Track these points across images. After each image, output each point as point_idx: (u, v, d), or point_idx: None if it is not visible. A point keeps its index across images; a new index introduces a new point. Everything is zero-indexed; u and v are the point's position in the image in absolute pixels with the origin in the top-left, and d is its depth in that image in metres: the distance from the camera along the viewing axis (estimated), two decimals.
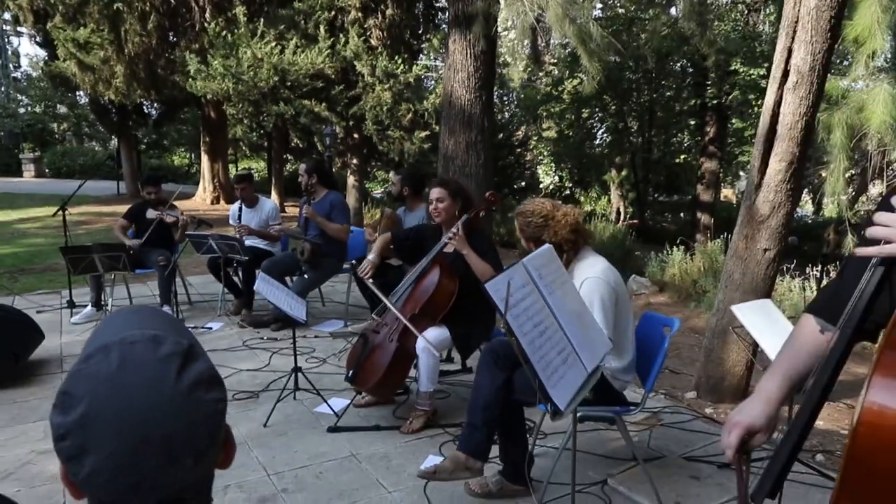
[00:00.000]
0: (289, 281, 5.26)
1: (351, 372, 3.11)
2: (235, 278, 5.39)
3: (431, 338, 3.09)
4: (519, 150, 20.88)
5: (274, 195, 16.57)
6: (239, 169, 27.45)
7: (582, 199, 22.29)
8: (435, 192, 3.36)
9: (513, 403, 2.46)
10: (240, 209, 5.33)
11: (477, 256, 3.15)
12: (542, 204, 2.53)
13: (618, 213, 20.43)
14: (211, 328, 4.88)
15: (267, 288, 3.35)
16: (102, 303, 5.10)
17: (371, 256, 3.44)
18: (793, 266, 7.10)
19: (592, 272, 2.35)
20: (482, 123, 6.63)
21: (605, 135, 18.94)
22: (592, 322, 1.77)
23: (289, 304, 3.29)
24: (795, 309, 5.74)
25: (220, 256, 5.01)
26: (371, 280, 3.31)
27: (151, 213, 5.20)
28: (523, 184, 21.91)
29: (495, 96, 19.00)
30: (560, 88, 16.69)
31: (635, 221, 17.33)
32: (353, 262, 4.90)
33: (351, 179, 12.87)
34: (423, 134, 11.66)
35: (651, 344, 2.55)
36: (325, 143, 11.46)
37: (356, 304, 5.87)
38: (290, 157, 25.94)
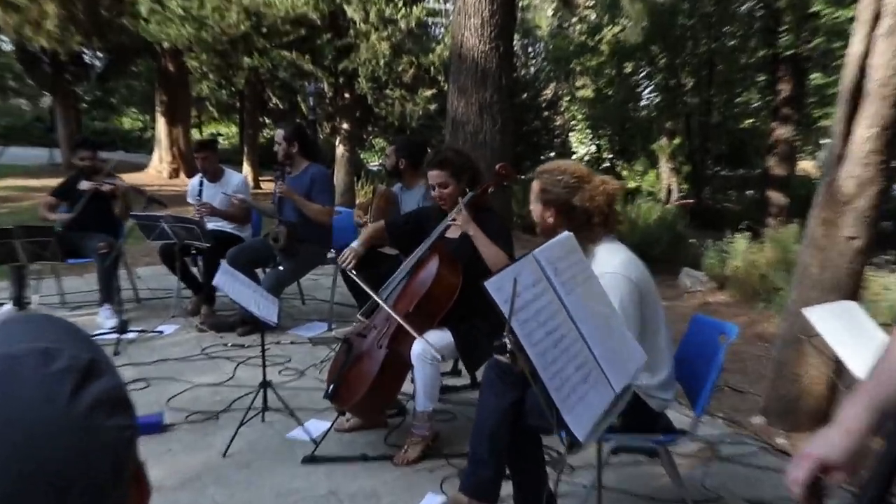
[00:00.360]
0: (260, 273, 5.25)
1: (331, 387, 3.08)
2: (194, 270, 5.40)
3: (431, 341, 3.06)
4: (546, 113, 20.73)
5: (246, 168, 16.64)
6: (204, 135, 27.65)
7: (624, 173, 22.17)
8: (433, 177, 3.34)
9: (526, 429, 2.42)
10: (200, 184, 5.32)
11: (487, 238, 3.14)
12: (577, 165, 2.48)
13: (668, 190, 20.31)
14: (162, 332, 4.89)
15: (230, 282, 3.32)
16: (25, 300, 5.09)
17: (355, 244, 3.43)
18: (887, 259, 6.98)
19: (610, 265, 2.28)
20: (499, 80, 6.56)
21: (652, 94, 18.79)
22: (623, 329, 1.71)
23: (257, 303, 3.26)
24: (892, 313, 5.62)
25: (175, 243, 5.00)
26: (354, 272, 3.29)
27: (85, 185, 5.16)
28: (552, 154, 21.77)
29: (517, 47, 18.92)
30: (597, 37, 16.52)
31: (690, 201, 17.23)
32: (338, 250, 4.86)
33: (341, 149, 12.86)
34: (429, 93, 11.61)
35: (703, 355, 2.50)
36: (310, 104, 11.43)
37: (344, 303, 5.85)
38: (266, 122, 26.04)
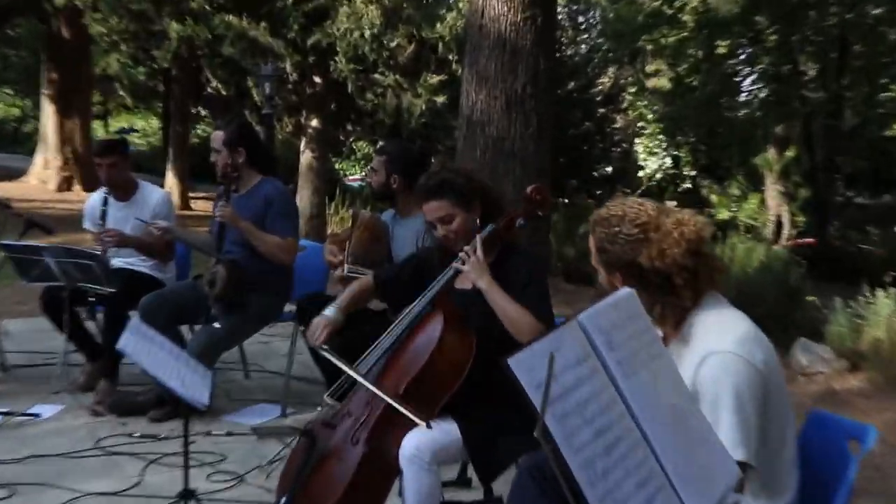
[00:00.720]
0: (187, 332, 5.27)
1: (284, 500, 3.10)
2: (90, 325, 5.41)
3: (427, 438, 3.07)
4: (602, 111, 20.91)
5: (171, 179, 16.87)
6: (111, 131, 28.03)
7: (713, 198, 22.33)
8: (430, 211, 3.40)
9: None
10: (104, 202, 5.39)
11: (504, 294, 3.19)
12: (640, 206, 2.52)
13: (777, 224, 20.40)
14: (39, 415, 4.90)
15: (142, 346, 3.36)
16: None
17: (329, 311, 3.47)
18: None
19: (722, 343, 2.29)
20: (536, 64, 6.68)
21: (756, 86, 18.97)
22: (707, 432, 1.73)
23: (180, 377, 3.29)
24: None
25: (63, 287, 5.05)
26: (326, 347, 3.33)
27: None
28: (608, 170, 21.94)
29: (561, 16, 19.14)
30: (678, 3, 16.76)
31: (809, 240, 17.25)
32: (300, 302, 4.89)
33: (307, 155, 13.05)
34: (435, 80, 11.77)
35: (825, 468, 2.50)
36: (265, 91, 11.61)
37: (305, 377, 5.85)
38: (202, 114, 26.45)
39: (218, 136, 5.04)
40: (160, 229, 5.11)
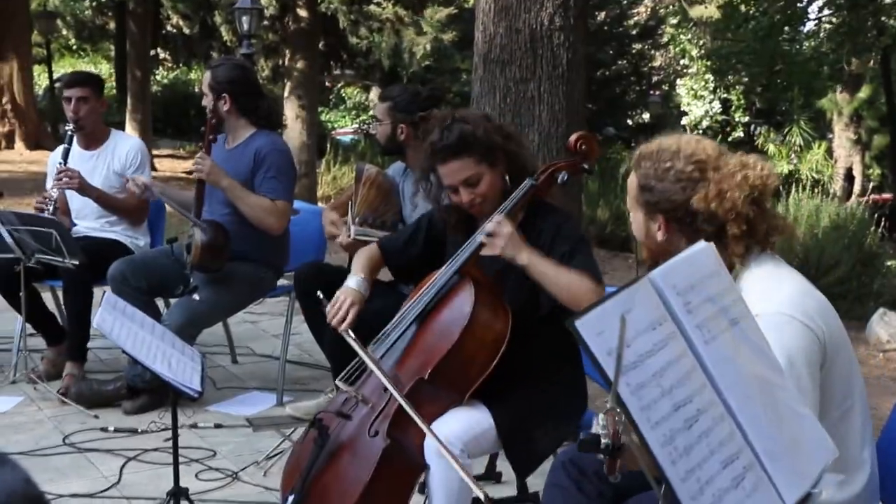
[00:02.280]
0: (163, 307, 5.34)
1: (291, 499, 3.16)
2: (52, 305, 5.47)
3: (455, 430, 3.13)
4: (638, 46, 20.80)
5: (129, 132, 16.79)
6: (57, 75, 27.85)
7: (771, 148, 22.25)
8: (451, 172, 3.32)
9: None
10: (69, 138, 5.40)
11: (549, 263, 3.19)
12: (697, 142, 2.53)
13: (848, 177, 20.37)
14: None
15: (120, 323, 3.42)
16: None
17: (354, 283, 3.46)
18: None
19: (769, 304, 2.34)
20: None
21: (826, 12, 18.80)
22: (798, 406, 1.79)
23: (166, 359, 3.35)
24: None
25: (17, 259, 5.09)
26: (351, 335, 3.28)
27: None
28: (646, 118, 21.81)
29: None
30: None
31: (886, 196, 17.22)
32: (298, 272, 4.92)
33: (292, 104, 13.04)
34: (443, 13, 11.71)
35: None
36: (242, 27, 11.57)
37: (301, 361, 5.92)
38: (162, 56, 26.31)
39: (206, 77, 5.04)
40: (141, 184, 5.03)
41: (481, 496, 2.96)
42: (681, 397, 1.48)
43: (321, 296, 3.45)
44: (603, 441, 1.79)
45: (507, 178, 3.38)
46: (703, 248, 1.76)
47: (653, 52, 20.99)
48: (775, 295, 2.35)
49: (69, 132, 5.40)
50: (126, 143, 5.57)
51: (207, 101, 4.97)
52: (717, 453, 1.49)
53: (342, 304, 3.38)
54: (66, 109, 5.44)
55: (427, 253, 3.61)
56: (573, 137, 3.42)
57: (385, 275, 4.31)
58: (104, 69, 31.42)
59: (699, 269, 1.69)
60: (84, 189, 5.26)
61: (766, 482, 1.56)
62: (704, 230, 2.40)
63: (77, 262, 4.87)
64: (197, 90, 4.84)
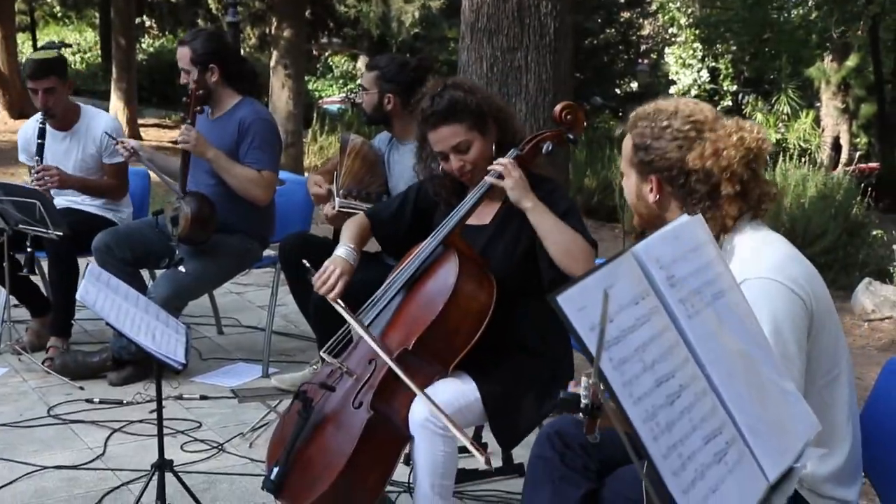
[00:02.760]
0: (148, 278, 5.32)
1: (276, 471, 3.17)
2: (34, 277, 5.46)
3: (441, 401, 3.13)
4: (626, 15, 20.78)
5: (116, 103, 16.76)
6: (40, 44, 27.71)
7: (758, 117, 22.24)
8: (442, 138, 3.36)
9: None
10: (41, 134, 5.37)
11: (552, 215, 3.21)
12: (695, 104, 2.54)
13: (835, 146, 20.39)
14: None
15: (104, 297, 3.41)
16: None
17: (344, 252, 3.45)
18: None
19: (756, 268, 2.34)
20: None
21: None
22: (782, 381, 1.79)
23: (150, 331, 3.34)
24: None
25: (0, 231, 5.07)
26: (340, 303, 3.31)
27: None
28: (634, 87, 21.82)
29: None
30: None
31: (873, 166, 17.26)
32: (284, 243, 4.91)
33: (279, 74, 12.98)
34: None
35: None
36: None
37: (287, 332, 5.91)
38: (147, 24, 26.18)
39: (185, 54, 4.99)
40: (129, 148, 5.06)
41: (473, 450, 3.01)
42: (663, 372, 1.47)
43: (307, 264, 3.45)
44: (583, 401, 1.80)
45: (493, 147, 3.39)
46: (688, 221, 1.75)
47: (641, 20, 20.91)
48: (763, 260, 2.35)
49: (41, 124, 5.34)
50: (99, 122, 5.49)
51: (191, 78, 4.93)
52: (699, 429, 1.48)
53: (331, 273, 3.36)
54: (33, 99, 5.37)
55: (415, 224, 3.61)
56: (558, 107, 3.42)
57: (371, 246, 4.32)
58: (89, 37, 31.23)
59: (684, 242, 1.68)
60: (64, 183, 5.28)
61: (749, 457, 1.55)
62: (698, 190, 2.41)
63: (61, 234, 4.85)
64: None
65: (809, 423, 1.77)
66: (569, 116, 3.40)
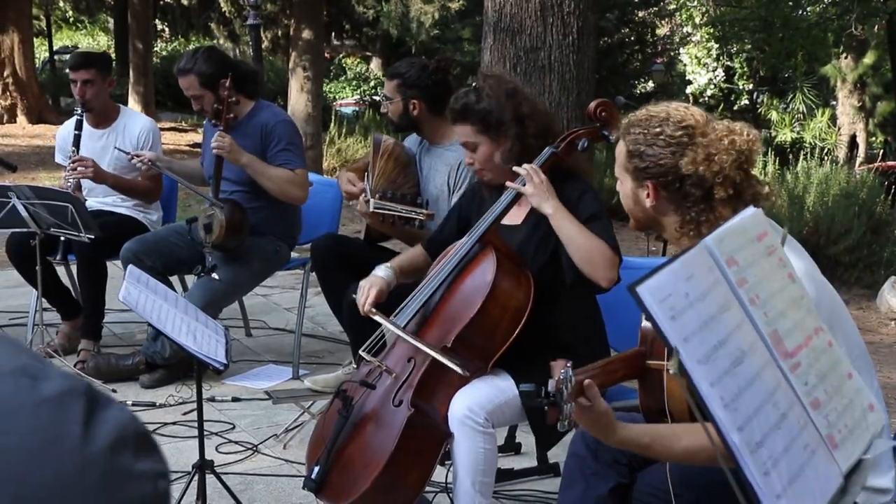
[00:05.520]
0: (178, 285, 5.34)
1: (317, 470, 3.18)
2: (66, 279, 5.48)
3: (479, 399, 3.15)
4: (641, 14, 20.79)
5: (134, 107, 16.77)
6: (57, 47, 27.82)
7: (773, 116, 22.21)
8: (457, 133, 3.53)
9: None
10: (79, 123, 5.39)
11: (574, 220, 3.23)
12: (686, 109, 2.59)
13: (852, 144, 20.34)
14: None
15: (145, 297, 3.42)
16: None
17: (383, 272, 3.52)
18: None
19: None
20: None
21: None
22: (845, 362, 1.80)
23: (192, 332, 3.36)
24: None
25: (33, 233, 5.09)
26: (376, 311, 3.39)
27: None
28: (650, 86, 21.82)
29: None
30: None
31: (893, 164, 17.17)
32: (316, 245, 4.92)
33: (298, 76, 12.99)
34: None
35: None
36: None
37: (315, 334, 5.93)
38: (161, 28, 26.21)
39: (191, 82, 4.97)
40: (147, 161, 5.10)
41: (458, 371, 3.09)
42: (735, 352, 1.48)
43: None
44: (547, 389, 1.84)
45: (515, 147, 3.42)
46: (752, 214, 1.77)
47: (657, 20, 20.90)
48: None
49: (78, 115, 5.37)
50: (136, 122, 5.54)
51: (206, 101, 4.95)
52: (771, 420, 1.49)
53: (369, 288, 3.46)
54: (73, 90, 5.41)
55: (462, 233, 3.62)
56: (593, 104, 3.45)
57: (397, 246, 4.35)
58: (102, 41, 31.35)
59: (745, 233, 1.69)
60: (99, 177, 5.28)
61: (822, 444, 1.57)
62: (693, 194, 2.46)
63: (93, 237, 4.87)
64: None
65: (879, 413, 1.78)
66: (603, 113, 3.42)
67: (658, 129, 2.49)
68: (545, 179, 3.25)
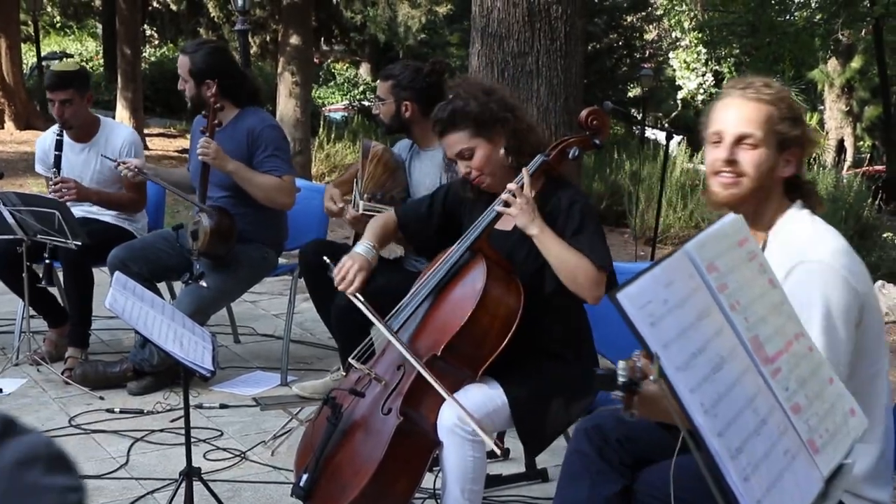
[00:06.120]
0: (165, 292, 5.34)
1: (305, 478, 3.18)
2: (51, 288, 5.48)
3: (469, 406, 3.15)
4: (629, 19, 20.84)
5: (122, 113, 16.78)
6: (44, 53, 27.78)
7: None
8: (449, 144, 3.42)
9: None
10: (58, 144, 5.39)
11: (558, 241, 3.23)
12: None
13: (840, 148, 20.40)
14: (0, 390, 5.02)
15: (131, 304, 3.43)
16: None
17: (362, 248, 3.51)
18: None
19: (817, 252, 2.37)
20: None
21: None
22: (826, 367, 1.81)
23: (178, 339, 3.36)
24: None
25: (20, 241, 5.08)
26: (360, 298, 3.37)
27: None
28: (637, 91, 21.85)
29: None
30: None
31: (879, 168, 17.24)
32: (304, 251, 4.92)
33: (285, 80, 12.99)
34: None
35: None
36: (237, 3, 11.46)
37: (304, 340, 5.93)
38: (149, 33, 26.16)
39: (184, 63, 5.00)
40: (133, 167, 5.07)
41: (497, 451, 3.07)
42: (714, 357, 1.49)
43: (328, 260, 3.52)
44: (620, 378, 1.83)
45: (504, 152, 3.40)
46: (732, 220, 1.78)
47: (645, 24, 20.94)
48: (821, 245, 2.40)
49: (58, 136, 5.36)
50: (118, 135, 5.51)
51: (188, 87, 4.96)
52: (755, 420, 1.50)
53: (349, 268, 3.43)
54: (52, 109, 5.39)
55: (444, 224, 3.65)
56: (584, 113, 3.45)
57: (389, 252, 4.35)
58: (91, 47, 31.30)
59: (724, 241, 1.70)
60: (82, 196, 5.28)
61: (803, 449, 1.58)
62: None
63: (79, 243, 4.87)
64: None
65: (859, 418, 1.79)
66: (595, 122, 3.43)
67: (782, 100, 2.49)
68: (530, 199, 3.23)
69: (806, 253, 2.34)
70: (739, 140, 2.45)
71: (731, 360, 1.51)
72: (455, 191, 3.67)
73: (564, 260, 3.21)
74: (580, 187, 3.62)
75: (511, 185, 3.26)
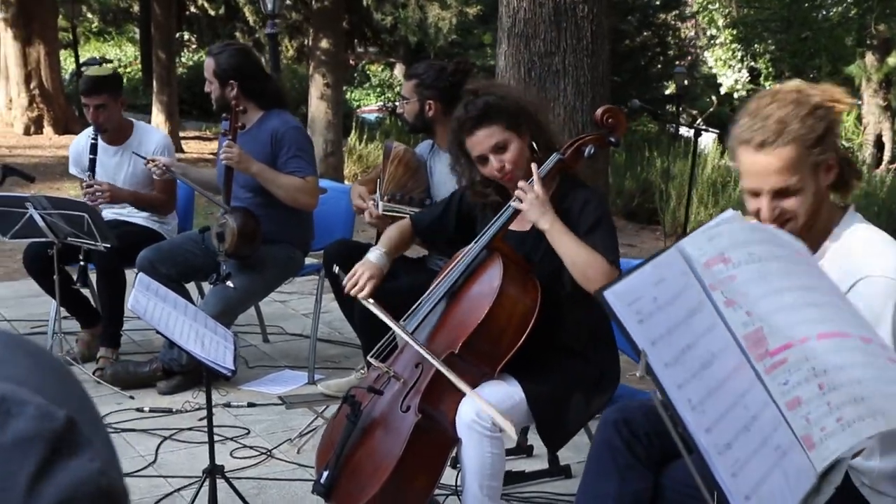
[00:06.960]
0: (194, 292, 5.38)
1: (326, 475, 3.20)
2: (83, 289, 5.54)
3: (488, 402, 3.16)
4: (663, 17, 20.74)
5: (158, 117, 16.93)
6: (83, 59, 28.03)
7: None
8: (479, 141, 3.37)
9: None
10: (93, 148, 5.45)
11: (570, 235, 3.23)
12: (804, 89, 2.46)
13: (878, 144, 20.17)
14: None
15: (154, 306, 3.46)
16: None
17: (373, 255, 3.55)
18: None
19: (880, 266, 2.36)
20: None
21: None
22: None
23: (200, 339, 3.39)
24: None
25: (51, 244, 5.14)
26: (372, 301, 3.40)
27: None
28: (672, 89, 21.74)
29: None
30: None
31: None
32: (328, 251, 4.95)
33: (317, 83, 13.05)
34: None
35: None
36: (266, 6, 11.58)
37: (331, 339, 5.96)
38: (187, 39, 26.37)
39: (209, 64, 5.06)
40: (162, 165, 5.13)
41: (512, 434, 3.04)
42: (707, 360, 1.49)
43: (337, 269, 3.59)
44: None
45: (534, 146, 3.40)
46: (730, 216, 1.77)
47: (679, 22, 20.83)
48: (883, 259, 2.37)
49: (93, 140, 5.43)
50: (151, 138, 5.58)
51: (213, 89, 5.01)
52: (751, 430, 1.50)
53: (360, 276, 3.47)
54: (87, 113, 5.46)
55: (459, 228, 3.67)
56: (599, 111, 3.45)
57: (414, 251, 4.36)
58: (129, 52, 31.58)
59: (723, 239, 1.69)
60: (116, 197, 5.36)
61: (796, 444, 1.57)
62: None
63: (109, 245, 4.92)
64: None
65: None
66: (610, 120, 3.42)
67: (802, 104, 2.36)
68: (541, 194, 3.23)
69: (869, 267, 2.31)
70: (779, 194, 2.35)
71: (721, 356, 1.50)
72: (468, 196, 3.69)
73: (576, 255, 3.20)
74: (598, 188, 3.61)
75: (522, 183, 3.27)
